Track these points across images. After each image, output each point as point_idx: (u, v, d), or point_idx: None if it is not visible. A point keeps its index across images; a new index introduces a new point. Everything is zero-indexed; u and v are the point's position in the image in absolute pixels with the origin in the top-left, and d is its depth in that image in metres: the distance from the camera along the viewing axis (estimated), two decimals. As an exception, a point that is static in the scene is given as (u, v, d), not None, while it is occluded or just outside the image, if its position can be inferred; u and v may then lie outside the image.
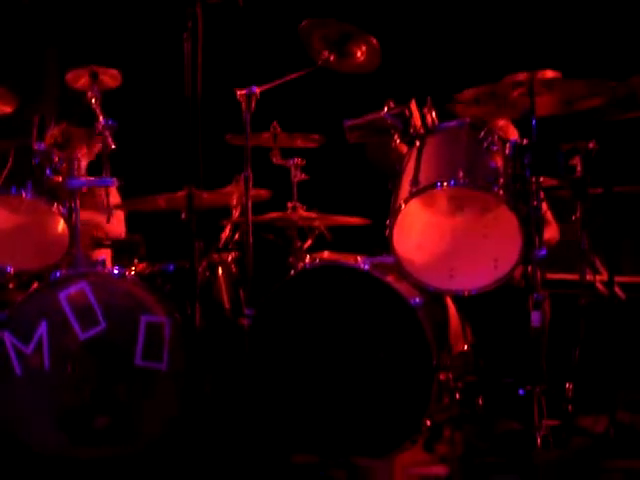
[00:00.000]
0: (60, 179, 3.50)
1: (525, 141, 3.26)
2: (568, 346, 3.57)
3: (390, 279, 3.31)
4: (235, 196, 3.84)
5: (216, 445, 3.30)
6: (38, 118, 3.62)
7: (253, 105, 3.62)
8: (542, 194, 3.24)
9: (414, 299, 3.26)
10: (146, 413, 3.27)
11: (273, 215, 4.01)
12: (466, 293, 3.23)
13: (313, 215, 4.01)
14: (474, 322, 3.69)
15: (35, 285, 3.46)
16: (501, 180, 3.16)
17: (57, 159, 3.52)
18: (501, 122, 3.78)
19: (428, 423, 3.17)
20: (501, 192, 3.14)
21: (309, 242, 4.10)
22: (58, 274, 3.38)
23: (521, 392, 3.10)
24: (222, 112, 3.84)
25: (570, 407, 3.37)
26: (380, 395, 3.21)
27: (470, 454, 3.31)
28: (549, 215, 3.88)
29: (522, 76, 3.15)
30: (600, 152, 3.43)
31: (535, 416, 3.09)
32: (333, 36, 3.77)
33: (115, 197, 4.11)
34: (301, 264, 3.76)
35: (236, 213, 4.05)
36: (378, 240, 3.33)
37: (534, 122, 3.20)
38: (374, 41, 3.76)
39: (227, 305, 3.91)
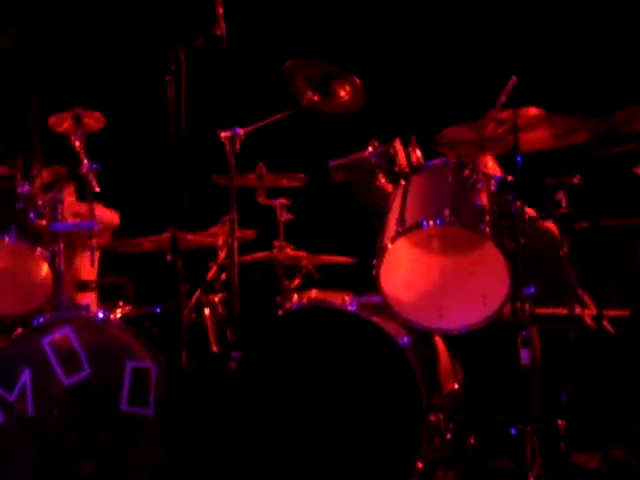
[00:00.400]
0: (44, 223, 3.47)
1: (510, 178, 3.27)
2: (558, 381, 3.55)
3: (377, 319, 3.28)
4: (221, 237, 3.82)
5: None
6: (22, 162, 3.61)
7: (238, 146, 3.62)
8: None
9: (402, 339, 3.23)
10: (131, 458, 3.23)
11: (260, 255, 3.99)
12: (455, 332, 3.20)
13: (300, 254, 4.00)
14: (464, 359, 3.66)
15: (19, 330, 3.42)
16: (487, 217, 3.16)
17: (41, 202, 3.50)
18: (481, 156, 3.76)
19: (420, 465, 3.13)
20: (487, 229, 3.13)
21: (297, 281, 4.07)
22: (42, 319, 3.34)
23: (513, 431, 3.05)
24: (209, 153, 3.84)
25: (563, 444, 3.34)
26: (370, 437, 3.17)
27: (463, 494, 3.27)
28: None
29: (505, 114, 3.16)
30: (585, 187, 3.44)
31: (528, 454, 3.05)
32: (317, 76, 3.78)
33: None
34: (288, 304, 3.73)
35: (222, 254, 4.03)
36: (365, 278, 3.31)
37: (519, 159, 3.20)
38: (357, 81, 3.78)
39: (214, 347, 3.88)
